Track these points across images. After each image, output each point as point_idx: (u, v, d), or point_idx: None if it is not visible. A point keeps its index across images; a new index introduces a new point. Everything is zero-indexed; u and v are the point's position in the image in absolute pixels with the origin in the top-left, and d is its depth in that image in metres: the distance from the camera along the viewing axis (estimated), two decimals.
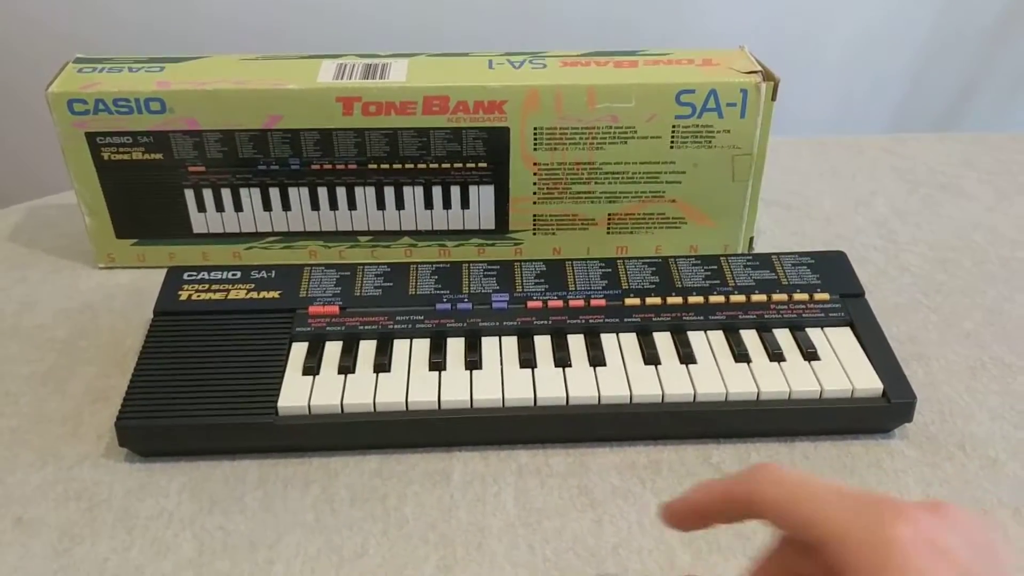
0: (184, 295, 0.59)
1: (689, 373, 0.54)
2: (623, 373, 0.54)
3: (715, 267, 0.61)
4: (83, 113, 0.62)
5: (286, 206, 0.66)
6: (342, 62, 0.64)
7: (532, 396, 0.52)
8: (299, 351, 0.55)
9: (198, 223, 0.67)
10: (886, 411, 0.53)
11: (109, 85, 0.62)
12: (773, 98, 0.63)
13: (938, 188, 0.80)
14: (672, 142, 0.64)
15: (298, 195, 0.66)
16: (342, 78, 0.62)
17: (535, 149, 0.64)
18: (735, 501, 0.35)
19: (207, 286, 0.59)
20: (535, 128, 0.63)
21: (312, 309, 0.57)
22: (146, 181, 0.65)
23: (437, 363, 0.54)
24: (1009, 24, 1.29)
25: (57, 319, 0.64)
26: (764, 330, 0.57)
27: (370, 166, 0.65)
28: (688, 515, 0.36)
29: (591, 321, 0.57)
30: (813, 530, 0.33)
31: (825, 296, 0.59)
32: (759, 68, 0.63)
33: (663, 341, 0.56)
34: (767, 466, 0.35)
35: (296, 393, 0.52)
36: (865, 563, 0.31)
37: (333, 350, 0.55)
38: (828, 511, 0.33)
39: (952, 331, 0.63)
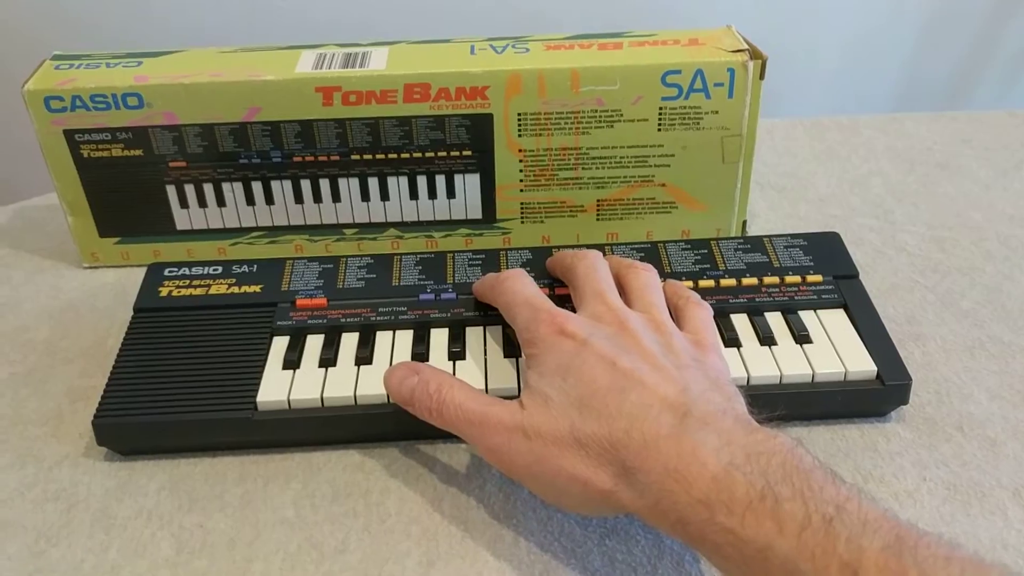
0: (164, 291, 0.58)
1: None
2: None
3: (705, 251, 0.60)
4: (60, 110, 0.61)
5: (269, 200, 0.65)
6: (321, 52, 0.63)
7: (516, 385, 0.51)
8: (280, 345, 0.54)
9: (181, 220, 0.66)
10: (881, 393, 0.52)
11: (86, 81, 0.61)
12: (761, 77, 0.61)
13: (935, 167, 0.78)
14: (659, 124, 0.63)
15: (281, 188, 0.65)
16: (321, 67, 0.61)
17: (520, 135, 0.63)
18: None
19: (187, 282, 0.58)
20: (519, 114, 0.62)
21: (300, 302, 0.56)
22: (127, 178, 0.64)
23: (420, 354, 0.53)
24: (1008, 3, 1.27)
25: (40, 320, 0.63)
26: (755, 314, 0.56)
27: (353, 157, 0.63)
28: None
29: None
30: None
31: (818, 278, 0.58)
32: (746, 46, 0.62)
33: None
34: (512, 276, 0.51)
35: (275, 387, 0.51)
36: (529, 356, 0.46)
37: (314, 343, 0.54)
38: (516, 320, 0.48)
39: (950, 311, 0.61)
